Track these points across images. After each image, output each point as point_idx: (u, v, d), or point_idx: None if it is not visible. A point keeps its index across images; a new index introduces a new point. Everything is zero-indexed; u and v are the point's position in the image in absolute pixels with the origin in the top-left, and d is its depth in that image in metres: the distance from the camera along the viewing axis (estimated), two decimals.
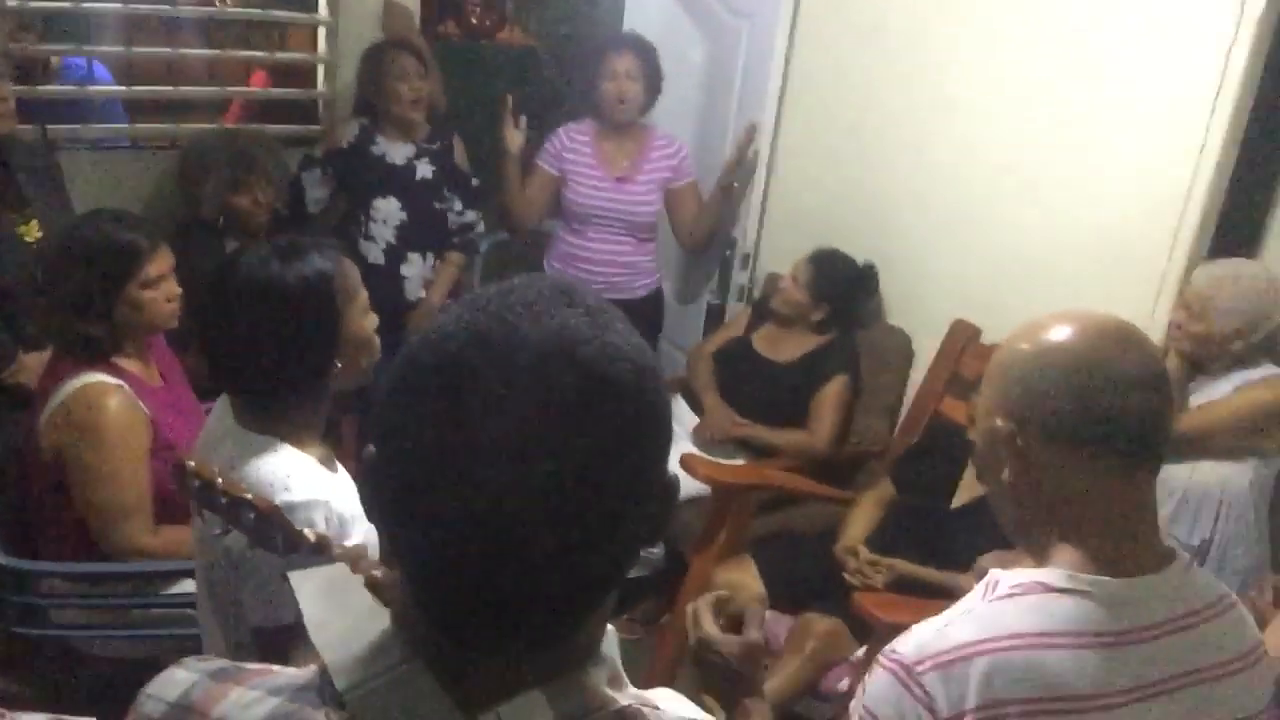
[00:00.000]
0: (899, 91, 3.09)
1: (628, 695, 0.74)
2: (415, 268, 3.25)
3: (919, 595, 2.41)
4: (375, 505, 0.71)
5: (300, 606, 0.83)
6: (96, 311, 2.12)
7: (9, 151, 2.66)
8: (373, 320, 1.65)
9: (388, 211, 3.18)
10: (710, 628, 1.30)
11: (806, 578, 2.68)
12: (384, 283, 3.20)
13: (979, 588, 1.16)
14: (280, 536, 1.32)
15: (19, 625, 2.14)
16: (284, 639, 1.43)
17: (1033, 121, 2.76)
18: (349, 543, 1.46)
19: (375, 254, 3.19)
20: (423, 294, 3.27)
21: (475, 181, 3.34)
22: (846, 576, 2.57)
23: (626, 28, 3.74)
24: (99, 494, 2.12)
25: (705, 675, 1.31)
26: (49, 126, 3.03)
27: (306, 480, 1.52)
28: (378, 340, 1.65)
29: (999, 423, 1.14)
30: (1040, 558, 1.15)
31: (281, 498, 1.46)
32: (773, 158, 3.45)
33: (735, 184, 3.39)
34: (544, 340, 0.66)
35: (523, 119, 3.30)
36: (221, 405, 1.65)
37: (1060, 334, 1.14)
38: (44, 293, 2.19)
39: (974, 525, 2.51)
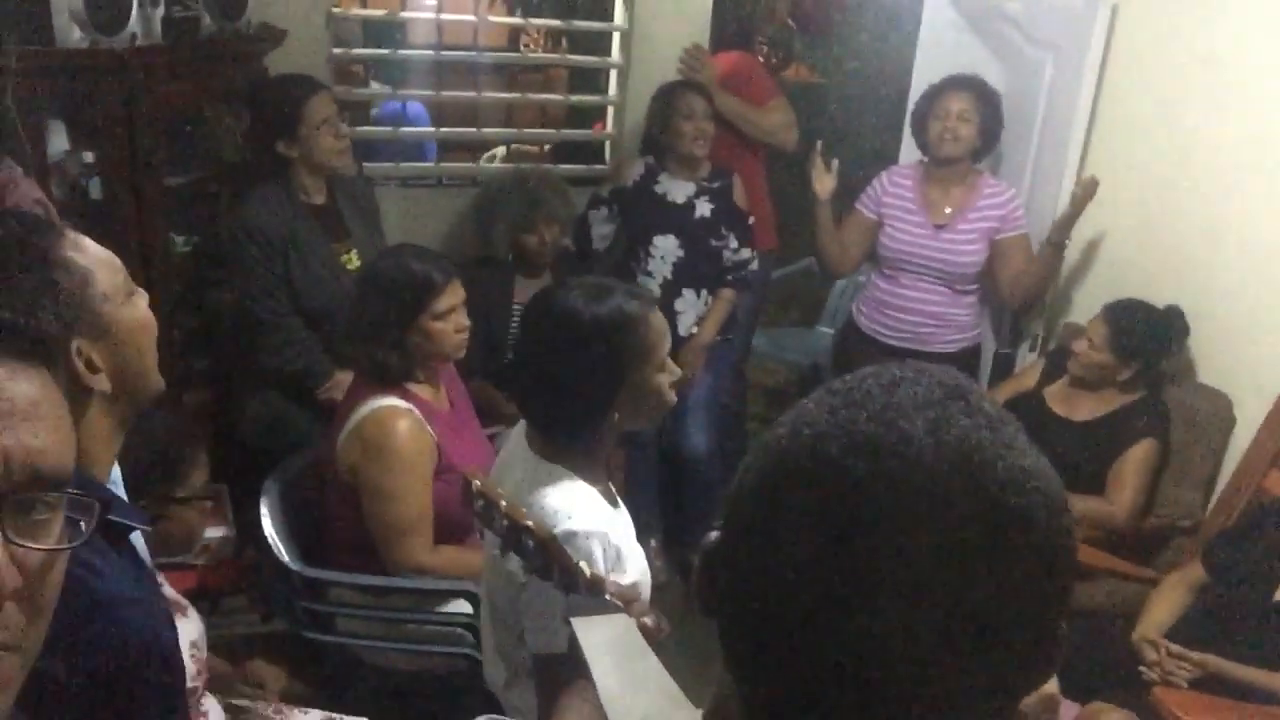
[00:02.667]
0: (1226, 129, 2.78)
1: None
2: (689, 303, 3.26)
3: (1229, 697, 2.14)
4: (712, 596, 0.64)
5: (590, 667, 0.81)
6: (391, 340, 2.25)
7: (335, 186, 2.92)
8: (669, 376, 1.67)
9: (666, 248, 3.22)
10: None
11: (1097, 662, 2.42)
12: None
13: None
14: (556, 568, 1.32)
15: (309, 630, 2.30)
16: (558, 667, 1.46)
17: None
18: (624, 579, 1.48)
19: (652, 289, 3.23)
20: (694, 330, 3.28)
21: (751, 220, 3.32)
22: (1143, 669, 2.31)
23: (919, 62, 3.61)
24: (385, 511, 2.24)
25: None
26: (365, 164, 3.29)
27: (588, 512, 1.57)
28: (671, 397, 1.68)
29: None
30: None
31: (563, 525, 1.51)
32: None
33: (1069, 241, 3.11)
34: (944, 457, 0.56)
35: (834, 162, 3.22)
36: (518, 431, 1.74)
37: None
38: (351, 323, 2.35)
39: None
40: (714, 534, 0.64)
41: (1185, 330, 2.85)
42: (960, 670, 0.56)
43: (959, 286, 3.19)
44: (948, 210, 3.16)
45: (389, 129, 3.70)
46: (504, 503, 1.35)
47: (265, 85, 2.91)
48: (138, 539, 1.30)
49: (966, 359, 3.26)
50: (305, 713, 2.02)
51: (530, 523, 1.34)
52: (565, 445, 1.63)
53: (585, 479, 1.62)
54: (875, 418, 0.58)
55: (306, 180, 2.83)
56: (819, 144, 3.24)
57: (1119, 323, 2.80)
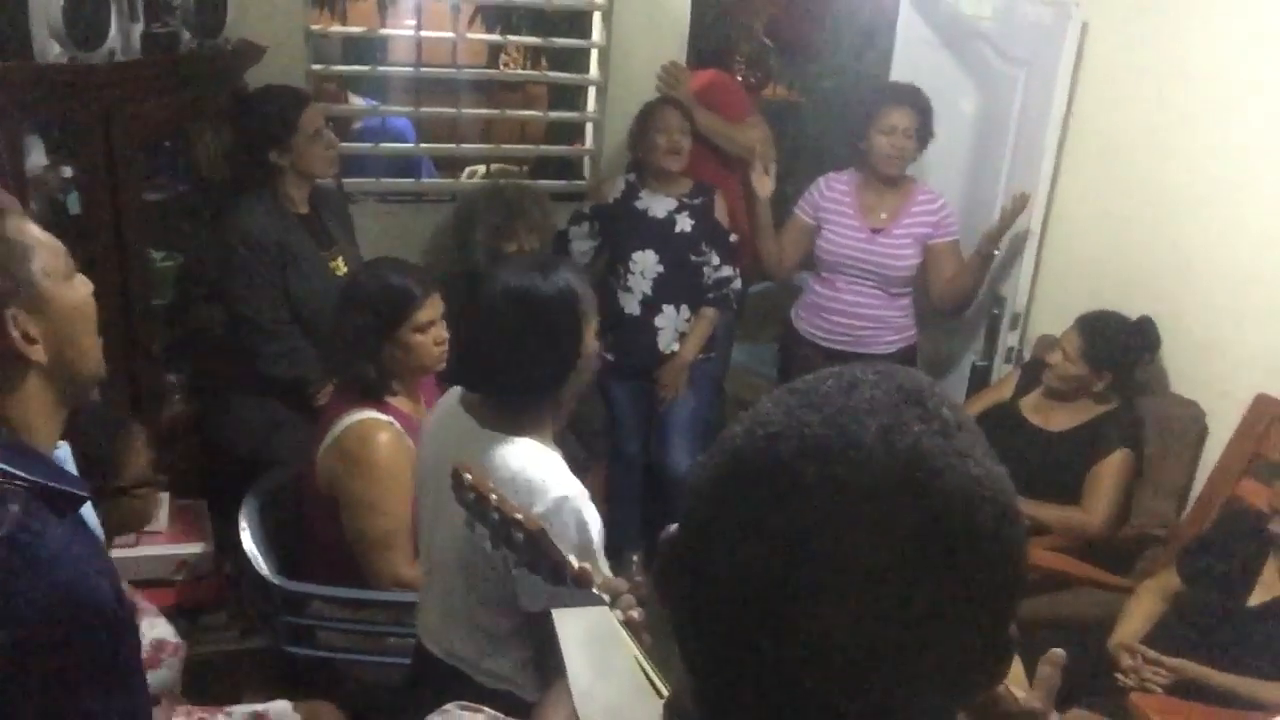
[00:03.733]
0: (1196, 142, 2.83)
1: None
2: (669, 319, 3.27)
3: (1204, 702, 2.16)
4: (668, 591, 0.65)
5: (564, 657, 0.82)
6: (370, 352, 2.26)
7: (316, 198, 2.96)
8: (596, 343, 1.78)
9: (645, 264, 3.24)
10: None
11: (1074, 671, 2.43)
12: (638, 333, 3.26)
13: None
14: (546, 562, 1.33)
15: (289, 644, 2.29)
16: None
17: None
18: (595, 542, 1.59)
19: (632, 305, 3.24)
20: (675, 347, 3.29)
21: (734, 237, 3.34)
22: (1119, 676, 2.33)
23: (894, 79, 3.65)
24: (364, 524, 2.24)
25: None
26: (345, 180, 3.30)
27: (561, 475, 1.66)
28: (596, 360, 1.79)
29: None
30: None
31: (553, 494, 1.60)
32: (1048, 213, 3.24)
33: (997, 252, 3.19)
34: (893, 465, 0.56)
35: (772, 166, 3.28)
36: (450, 409, 1.78)
37: None
38: (331, 337, 2.36)
39: (1277, 627, 2.23)
40: (673, 527, 0.65)
41: (1157, 340, 2.89)
42: (902, 674, 0.56)
43: (894, 289, 3.26)
44: (883, 215, 3.23)
45: (370, 144, 3.71)
46: (494, 495, 1.36)
47: (256, 96, 2.94)
48: (89, 514, 1.33)
49: (904, 359, 3.30)
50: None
51: (520, 515, 1.34)
52: (525, 415, 1.71)
53: (541, 443, 1.71)
54: (829, 421, 0.58)
55: (293, 190, 2.86)
56: (756, 147, 3.31)
57: (1092, 334, 2.84)
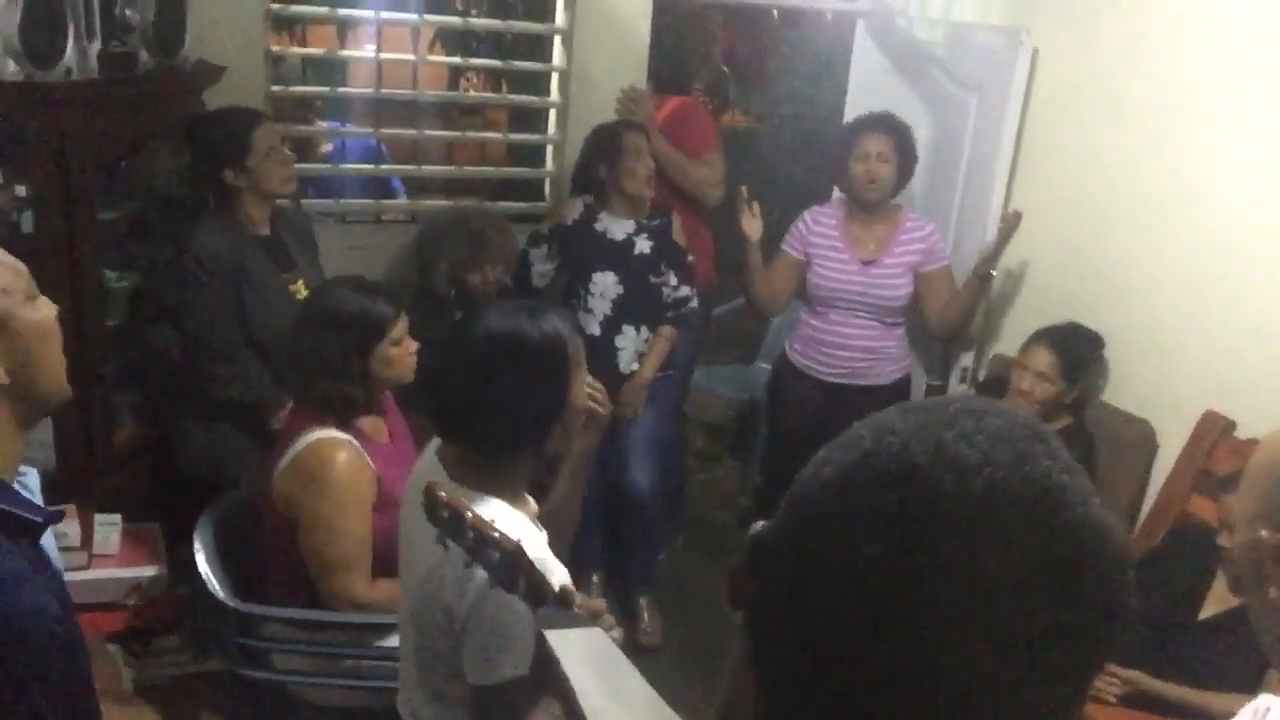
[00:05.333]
0: (1143, 164, 2.90)
1: None
2: (629, 340, 3.28)
3: (1158, 713, 2.19)
4: (749, 590, 0.64)
5: (571, 681, 0.80)
6: (355, 373, 2.25)
7: (277, 218, 2.93)
8: (585, 391, 1.69)
9: (605, 285, 3.25)
10: None
11: None
12: (599, 354, 3.25)
13: (1245, 713, 1.01)
14: (523, 580, 1.31)
15: (244, 667, 2.25)
16: (509, 694, 1.47)
17: None
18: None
19: (592, 326, 3.25)
20: (635, 366, 3.30)
21: (690, 258, 3.37)
22: None
23: (849, 105, 3.72)
24: (322, 544, 2.21)
25: None
26: (304, 200, 3.29)
27: (530, 540, 1.53)
28: (585, 414, 1.70)
29: (1264, 534, 1.00)
30: None
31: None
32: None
33: (994, 272, 3.20)
34: (1029, 491, 0.57)
35: (756, 205, 3.27)
36: (430, 459, 1.70)
37: None
38: (301, 358, 2.32)
39: (1226, 641, 2.27)
40: (761, 524, 0.65)
41: (1100, 337, 2.96)
42: (1000, 699, 0.56)
43: (889, 320, 3.25)
44: (872, 246, 3.23)
45: (329, 165, 3.70)
46: (470, 514, 1.35)
47: (207, 118, 2.91)
48: (49, 543, 1.31)
49: (900, 389, 3.32)
50: None
51: (497, 534, 1.33)
52: (496, 471, 1.62)
53: (512, 504, 1.62)
54: (964, 439, 0.58)
55: (252, 210, 2.83)
56: (744, 189, 3.27)
57: (1066, 350, 2.88)
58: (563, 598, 1.28)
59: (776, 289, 3.34)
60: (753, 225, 3.25)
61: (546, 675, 1.08)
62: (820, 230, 3.29)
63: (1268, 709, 1.00)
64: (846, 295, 3.23)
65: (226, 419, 2.80)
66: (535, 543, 1.57)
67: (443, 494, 1.36)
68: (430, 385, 1.78)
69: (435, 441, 1.75)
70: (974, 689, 0.56)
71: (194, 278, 2.72)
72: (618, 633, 1.33)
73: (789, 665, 0.61)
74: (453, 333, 1.69)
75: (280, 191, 2.87)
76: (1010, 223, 3.10)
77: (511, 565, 1.30)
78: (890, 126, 3.18)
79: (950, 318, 3.22)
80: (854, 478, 0.59)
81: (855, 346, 3.25)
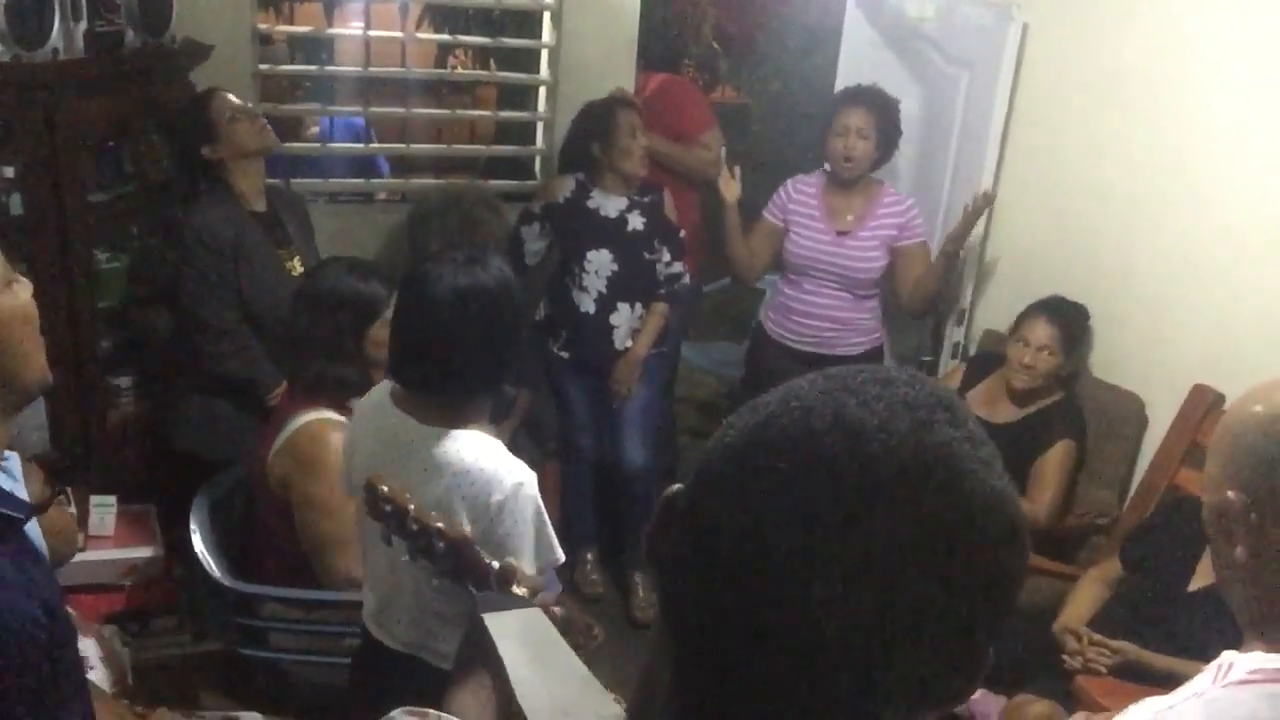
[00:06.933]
0: (1134, 140, 2.91)
1: None
2: (624, 317, 3.29)
3: (1148, 684, 2.22)
4: (666, 548, 0.65)
5: (503, 660, 0.82)
6: (350, 353, 2.27)
7: (274, 197, 2.95)
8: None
9: (600, 263, 3.25)
10: None
11: (1020, 656, 2.50)
12: (595, 332, 3.27)
13: (1209, 670, 1.04)
14: (468, 570, 1.33)
15: (242, 646, 2.27)
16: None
17: None
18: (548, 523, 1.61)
19: (587, 304, 3.26)
20: (629, 343, 3.31)
21: (682, 234, 3.37)
22: (1065, 658, 2.38)
23: (840, 81, 3.71)
24: (317, 524, 2.23)
25: None
26: (293, 180, 3.28)
27: (511, 462, 1.68)
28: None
29: (1230, 495, 1.03)
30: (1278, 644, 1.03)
31: (511, 481, 1.62)
32: (992, 210, 3.31)
33: (963, 252, 3.23)
34: (922, 457, 0.58)
35: (737, 169, 3.31)
36: (384, 409, 1.76)
37: None
38: (296, 338, 2.33)
39: (1215, 611, 2.28)
40: (676, 486, 0.67)
41: (1088, 316, 3.00)
42: (886, 659, 0.58)
43: (860, 291, 3.28)
44: (849, 218, 3.25)
45: (317, 145, 3.69)
46: (413, 507, 1.35)
47: (177, 114, 2.92)
48: (34, 531, 1.29)
49: (869, 361, 3.34)
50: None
51: (441, 524, 1.34)
52: (469, 406, 1.72)
53: (485, 431, 1.72)
54: (865, 405, 0.60)
55: (243, 182, 2.83)
56: (722, 151, 3.34)
57: (1066, 323, 2.90)
58: (504, 578, 1.30)
59: (755, 253, 3.37)
60: (731, 188, 3.28)
61: (480, 654, 1.09)
62: (800, 199, 3.31)
63: (1230, 664, 1.03)
64: (819, 265, 3.26)
65: (224, 396, 2.81)
66: (517, 469, 1.66)
67: (384, 488, 1.36)
68: (391, 340, 1.82)
69: (377, 390, 1.83)
70: (860, 646, 0.57)
71: (193, 254, 2.73)
72: (559, 610, 1.35)
73: (694, 620, 0.63)
74: (408, 291, 1.75)
75: (258, 147, 2.86)
76: (980, 203, 3.12)
77: (455, 555, 1.31)
78: (873, 101, 3.18)
79: (921, 293, 3.26)
80: (754, 441, 0.61)
81: (825, 316, 3.28)
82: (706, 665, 0.62)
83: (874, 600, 0.57)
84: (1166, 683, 2.21)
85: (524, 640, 0.96)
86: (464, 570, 1.32)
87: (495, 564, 1.31)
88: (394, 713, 0.96)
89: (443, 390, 1.72)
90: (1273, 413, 1.02)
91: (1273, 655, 1.02)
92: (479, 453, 1.67)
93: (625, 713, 0.70)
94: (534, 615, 1.11)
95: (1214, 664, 1.05)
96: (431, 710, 1.02)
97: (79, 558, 2.45)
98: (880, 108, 3.17)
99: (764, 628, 0.59)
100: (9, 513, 1.18)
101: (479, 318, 1.68)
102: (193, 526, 2.34)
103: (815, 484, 0.58)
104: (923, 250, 3.25)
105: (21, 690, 1.12)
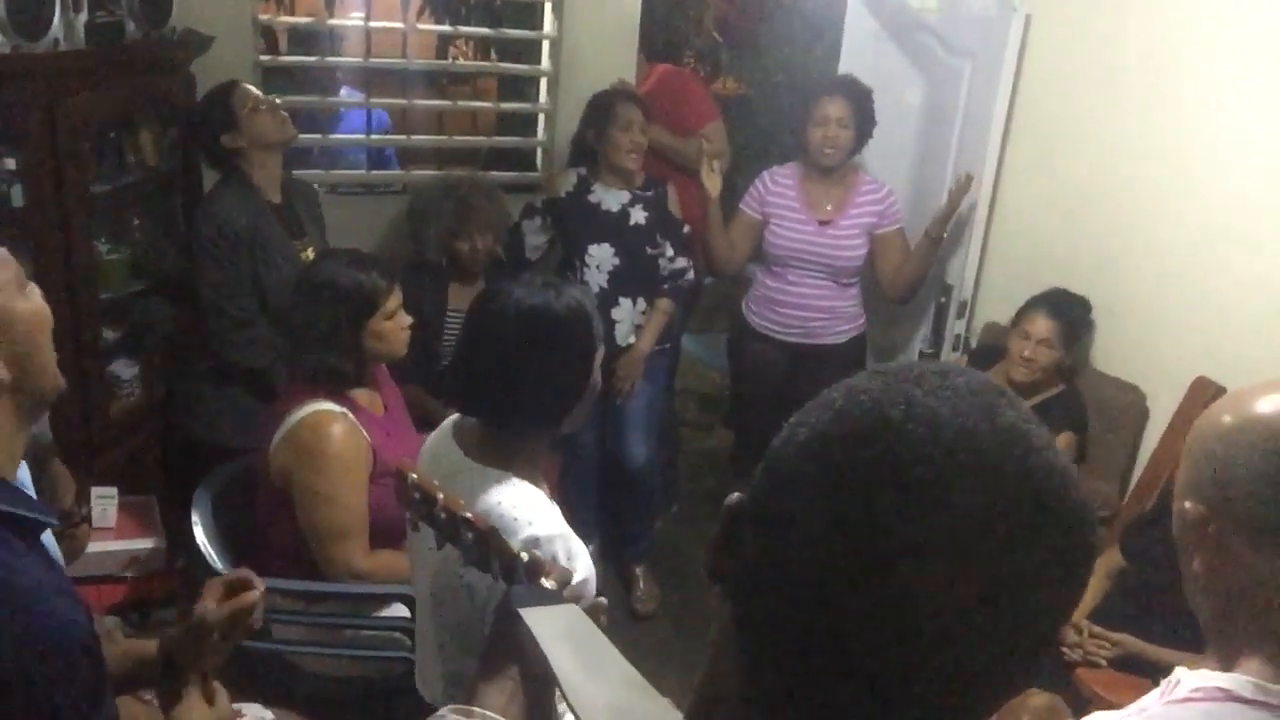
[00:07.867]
0: (1136, 131, 2.90)
1: None
2: (626, 313, 3.28)
3: (1148, 676, 2.22)
4: (728, 560, 0.65)
5: (548, 658, 0.81)
6: (346, 345, 2.26)
7: (289, 188, 2.97)
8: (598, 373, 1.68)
9: (601, 257, 3.24)
10: None
11: None
12: None
13: (1160, 686, 1.03)
14: (495, 559, 1.32)
15: (245, 637, 2.27)
16: None
17: None
18: (577, 578, 1.45)
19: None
20: (632, 339, 3.30)
21: (686, 229, 3.36)
22: (1065, 650, 2.39)
23: (842, 71, 3.70)
24: (319, 515, 2.22)
25: None
26: (295, 171, 3.29)
27: (547, 515, 1.56)
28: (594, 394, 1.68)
29: (1188, 505, 1.01)
30: (1227, 661, 1.01)
31: (525, 532, 1.49)
32: (994, 202, 3.31)
33: (945, 235, 3.26)
34: (998, 440, 0.59)
35: (717, 163, 3.31)
36: (443, 439, 1.69)
37: (1270, 405, 0.97)
38: (295, 330, 2.33)
39: None
40: (737, 495, 0.66)
41: (1090, 308, 3.00)
42: (980, 640, 0.58)
43: (843, 280, 3.30)
44: (829, 207, 3.27)
45: (318, 135, 3.68)
46: (441, 495, 1.35)
47: (193, 106, 2.94)
48: (48, 539, 1.28)
49: (854, 348, 3.37)
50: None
51: (470, 514, 1.33)
52: (516, 448, 1.62)
53: (531, 482, 1.61)
54: (933, 394, 0.60)
55: (260, 173, 2.85)
56: (703, 144, 3.35)
57: (1066, 317, 2.91)
58: (533, 570, 1.29)
59: (735, 246, 3.38)
60: (712, 181, 3.28)
61: (515, 651, 1.07)
62: (778, 191, 3.32)
63: (1178, 681, 1.01)
64: (803, 255, 3.27)
65: (239, 384, 2.82)
66: (554, 520, 1.57)
67: (412, 476, 1.35)
68: (454, 361, 1.74)
69: (446, 423, 1.74)
70: (955, 631, 0.57)
71: (211, 243, 2.75)
72: (601, 600, 1.34)
73: (775, 630, 0.62)
74: (476, 309, 1.67)
75: (279, 138, 2.89)
76: (961, 186, 3.16)
77: (483, 544, 1.31)
78: (849, 91, 3.21)
79: (902, 280, 3.29)
80: (829, 436, 0.61)
81: (811, 306, 3.30)
82: (787, 670, 0.62)
83: (968, 583, 0.57)
84: (1164, 674, 2.23)
85: (567, 638, 0.95)
86: (491, 559, 1.32)
87: (524, 554, 1.30)
88: (442, 710, 0.96)
89: (495, 414, 1.63)
90: (1239, 422, 0.99)
91: (1217, 674, 0.99)
92: (502, 494, 1.57)
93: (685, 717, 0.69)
94: (573, 611, 1.10)
95: (1165, 680, 1.03)
96: (478, 709, 1.02)
97: None
98: (856, 95, 3.20)
99: (858, 626, 0.58)
100: (43, 518, 1.17)
101: (542, 341, 1.58)
102: (194, 518, 2.34)
103: (899, 471, 0.58)
104: (901, 236, 3.30)
105: (71, 696, 1.11)
